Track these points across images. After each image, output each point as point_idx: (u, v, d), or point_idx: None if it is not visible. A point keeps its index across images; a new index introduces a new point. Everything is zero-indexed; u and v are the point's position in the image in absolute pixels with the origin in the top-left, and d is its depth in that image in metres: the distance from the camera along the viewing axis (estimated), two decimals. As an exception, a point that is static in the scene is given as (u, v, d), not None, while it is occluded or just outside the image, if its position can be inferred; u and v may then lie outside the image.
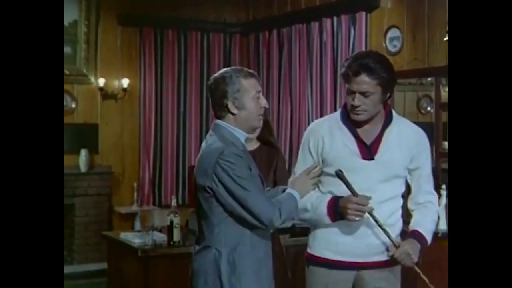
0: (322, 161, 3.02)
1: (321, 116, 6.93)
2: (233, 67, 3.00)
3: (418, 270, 2.98)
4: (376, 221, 2.90)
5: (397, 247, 2.93)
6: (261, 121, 3.01)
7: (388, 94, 2.98)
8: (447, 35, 5.60)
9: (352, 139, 2.96)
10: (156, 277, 4.78)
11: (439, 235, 5.06)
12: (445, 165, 5.61)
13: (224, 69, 2.95)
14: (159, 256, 4.78)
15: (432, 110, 6.00)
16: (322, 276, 3.04)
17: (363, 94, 2.87)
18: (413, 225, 3.05)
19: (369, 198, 2.87)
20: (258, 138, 3.88)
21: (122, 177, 7.97)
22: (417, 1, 6.12)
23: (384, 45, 6.43)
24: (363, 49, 6.50)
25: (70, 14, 7.47)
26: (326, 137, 3.01)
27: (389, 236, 2.92)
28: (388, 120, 3.00)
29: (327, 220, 2.97)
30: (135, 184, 7.92)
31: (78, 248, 7.54)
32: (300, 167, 3.11)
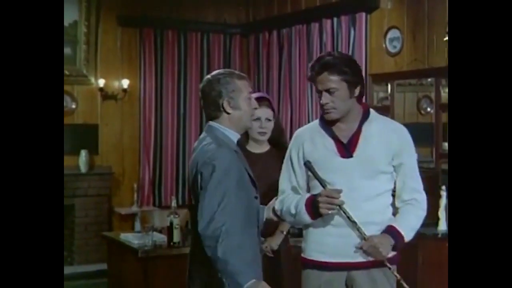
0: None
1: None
2: (223, 69, 3.08)
3: (389, 266, 2.91)
4: (345, 212, 2.89)
5: (366, 240, 2.89)
6: (252, 122, 3.10)
7: (358, 90, 2.97)
8: (447, 35, 5.60)
9: (330, 139, 3.00)
10: (156, 278, 4.79)
11: (439, 236, 5.07)
12: (445, 166, 5.61)
13: (216, 71, 3.02)
14: (159, 257, 4.79)
15: (432, 111, 6.00)
16: (314, 278, 3.04)
17: (328, 91, 2.93)
18: (391, 221, 3.01)
19: (339, 191, 2.87)
20: (269, 140, 3.88)
21: (122, 177, 7.97)
22: (417, 1, 6.12)
23: (384, 45, 6.43)
24: (363, 50, 6.51)
25: (70, 15, 7.47)
26: (306, 142, 3.06)
27: (358, 229, 2.90)
28: (364, 118, 3.01)
29: (308, 218, 2.98)
30: (135, 185, 7.92)
31: (78, 248, 7.53)
32: (284, 178, 3.17)
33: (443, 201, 5.15)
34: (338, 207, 2.89)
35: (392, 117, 6.16)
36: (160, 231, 5.13)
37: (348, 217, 2.90)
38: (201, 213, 2.79)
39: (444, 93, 5.81)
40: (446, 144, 5.73)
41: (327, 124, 3.02)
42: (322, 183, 2.94)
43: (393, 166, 3.01)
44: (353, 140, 2.97)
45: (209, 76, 2.99)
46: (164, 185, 8.08)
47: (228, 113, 2.92)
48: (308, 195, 3.02)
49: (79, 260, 7.49)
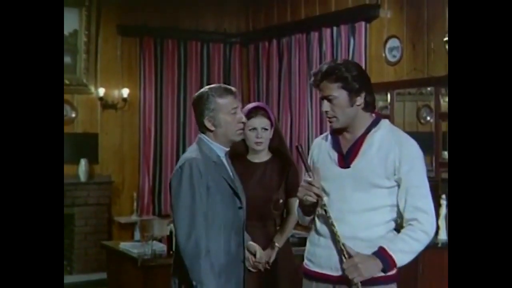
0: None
1: (321, 125, 6.97)
2: (211, 86, 3.18)
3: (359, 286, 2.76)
4: (328, 217, 2.81)
5: (346, 257, 2.76)
6: (241, 135, 3.16)
7: (362, 98, 2.86)
8: (447, 35, 5.62)
9: (333, 148, 2.95)
10: (155, 287, 4.77)
11: (439, 245, 5.06)
12: (445, 175, 5.61)
13: (204, 88, 3.16)
14: (158, 266, 4.77)
15: (432, 120, 6.00)
16: (305, 287, 2.98)
17: (328, 99, 2.87)
18: (382, 240, 2.82)
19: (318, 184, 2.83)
20: (270, 149, 3.86)
21: (121, 186, 7.97)
22: (416, 11, 6.14)
23: (383, 55, 6.44)
24: (363, 59, 6.52)
25: (70, 24, 7.48)
26: (316, 148, 3.04)
27: (338, 240, 2.80)
28: (371, 127, 2.90)
29: (301, 214, 2.98)
30: (135, 194, 7.92)
31: (78, 258, 7.52)
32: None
33: (443, 210, 5.14)
34: (324, 211, 2.83)
35: (392, 126, 6.17)
36: (160, 240, 5.13)
37: (330, 222, 2.82)
38: (178, 226, 2.96)
39: (444, 102, 5.81)
40: (446, 153, 5.73)
41: (335, 133, 2.96)
42: (307, 167, 2.89)
43: (396, 181, 2.84)
44: (353, 151, 2.87)
45: (197, 92, 3.16)
46: (163, 194, 8.07)
47: (211, 131, 3.07)
48: None
49: (78, 269, 7.48)
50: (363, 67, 6.46)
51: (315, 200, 2.84)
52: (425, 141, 5.98)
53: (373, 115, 2.94)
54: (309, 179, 2.84)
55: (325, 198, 2.87)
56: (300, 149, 2.92)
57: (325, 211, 2.83)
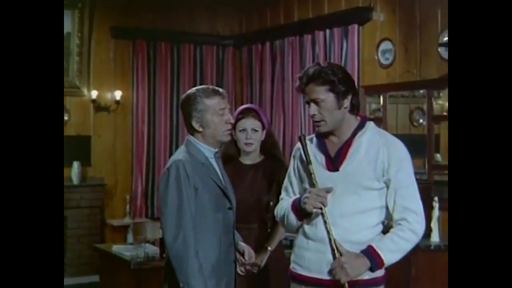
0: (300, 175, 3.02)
1: (313, 128, 6.95)
2: (199, 86, 3.20)
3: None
4: (324, 219, 2.81)
5: (337, 255, 2.77)
6: (229, 136, 3.19)
7: (349, 101, 2.87)
8: (439, 38, 5.64)
9: (320, 151, 2.94)
10: (148, 290, 4.77)
11: (432, 247, 5.07)
12: (437, 178, 5.63)
13: (191, 89, 3.17)
14: (151, 269, 4.77)
15: (424, 123, 6.02)
16: None
17: (315, 102, 2.86)
18: (373, 241, 2.82)
19: (329, 189, 2.81)
20: (262, 151, 3.85)
21: (114, 189, 7.96)
22: (409, 14, 6.16)
23: (376, 57, 6.45)
24: (356, 61, 6.53)
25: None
26: (299, 151, 3.00)
27: (329, 240, 2.80)
28: (357, 130, 2.90)
29: (293, 218, 2.92)
30: (128, 197, 7.91)
31: (70, 260, 7.49)
32: (283, 186, 3.13)
33: (436, 213, 5.15)
34: (321, 214, 2.82)
35: (385, 129, 6.18)
36: (153, 243, 5.13)
37: (326, 222, 2.81)
38: (165, 227, 2.98)
39: (437, 105, 5.84)
40: (438, 156, 5.75)
41: (321, 136, 2.96)
42: (308, 158, 2.88)
43: (384, 183, 2.85)
44: (341, 154, 2.87)
45: (185, 94, 3.16)
46: (156, 197, 8.06)
47: (199, 132, 3.09)
48: (295, 197, 2.98)
49: (71, 272, 7.45)
50: (356, 69, 6.50)
51: (321, 211, 2.83)
52: (417, 144, 6.01)
53: (358, 117, 2.95)
54: (315, 190, 2.83)
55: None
56: (303, 139, 2.93)
57: (322, 213, 2.83)
